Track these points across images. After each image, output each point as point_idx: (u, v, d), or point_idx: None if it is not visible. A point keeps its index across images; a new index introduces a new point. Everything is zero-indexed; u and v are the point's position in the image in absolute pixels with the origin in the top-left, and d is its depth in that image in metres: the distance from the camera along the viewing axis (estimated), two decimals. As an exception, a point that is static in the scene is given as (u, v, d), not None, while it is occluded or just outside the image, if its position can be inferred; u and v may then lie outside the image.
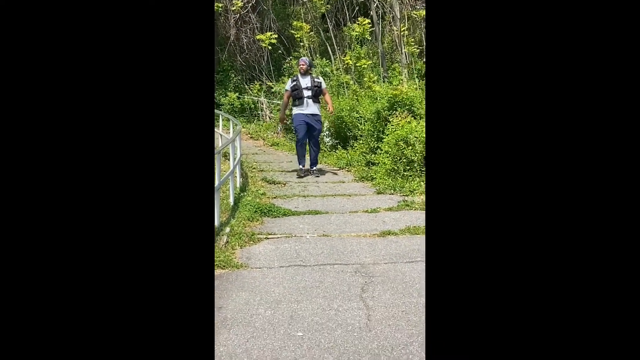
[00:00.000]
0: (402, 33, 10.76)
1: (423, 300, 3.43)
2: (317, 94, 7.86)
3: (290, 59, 13.95)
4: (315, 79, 7.94)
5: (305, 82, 7.86)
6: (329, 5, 13.45)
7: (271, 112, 13.55)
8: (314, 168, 8.13)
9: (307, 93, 7.79)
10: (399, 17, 10.99)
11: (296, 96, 7.84)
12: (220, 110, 13.27)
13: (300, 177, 7.87)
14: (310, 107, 7.82)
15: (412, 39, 11.19)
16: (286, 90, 8.10)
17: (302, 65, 8.01)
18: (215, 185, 5.02)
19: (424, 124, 7.33)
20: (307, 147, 8.21)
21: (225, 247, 4.51)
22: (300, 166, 8.06)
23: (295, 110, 7.91)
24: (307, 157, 8.29)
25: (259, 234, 5.01)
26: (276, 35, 12.96)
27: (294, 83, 7.91)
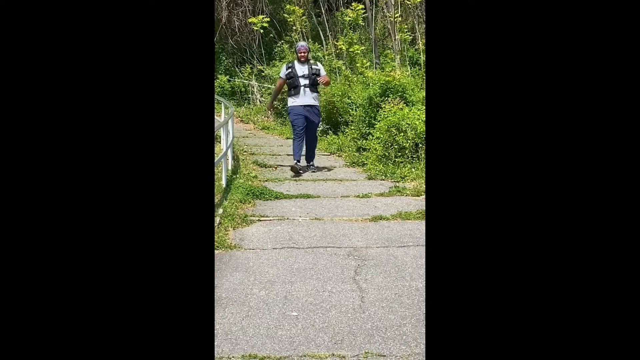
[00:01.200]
0: (395, 19, 10.74)
1: (415, 283, 3.48)
2: (315, 82, 7.02)
3: (282, 43, 13.88)
4: (314, 66, 7.14)
5: (302, 69, 7.03)
6: (322, -11, 13.40)
7: (262, 96, 13.51)
8: (312, 163, 7.33)
9: (303, 82, 6.97)
10: (392, 3, 10.96)
11: (291, 85, 7.01)
12: None
13: (296, 173, 6.96)
14: (307, 97, 7.00)
15: (405, 26, 11.18)
16: (280, 77, 7.28)
17: (303, 52, 7.12)
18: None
19: (416, 111, 7.36)
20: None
21: (218, 228, 4.53)
22: (295, 160, 7.05)
23: (291, 102, 7.08)
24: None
25: (251, 216, 5.03)
26: (268, 19, 12.89)
27: (289, 70, 7.07)
